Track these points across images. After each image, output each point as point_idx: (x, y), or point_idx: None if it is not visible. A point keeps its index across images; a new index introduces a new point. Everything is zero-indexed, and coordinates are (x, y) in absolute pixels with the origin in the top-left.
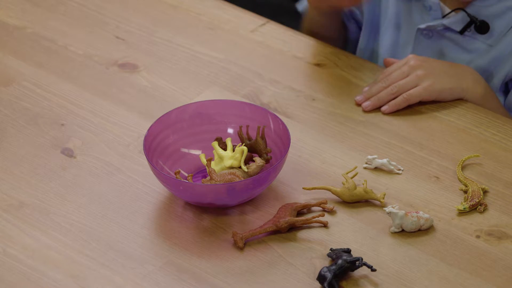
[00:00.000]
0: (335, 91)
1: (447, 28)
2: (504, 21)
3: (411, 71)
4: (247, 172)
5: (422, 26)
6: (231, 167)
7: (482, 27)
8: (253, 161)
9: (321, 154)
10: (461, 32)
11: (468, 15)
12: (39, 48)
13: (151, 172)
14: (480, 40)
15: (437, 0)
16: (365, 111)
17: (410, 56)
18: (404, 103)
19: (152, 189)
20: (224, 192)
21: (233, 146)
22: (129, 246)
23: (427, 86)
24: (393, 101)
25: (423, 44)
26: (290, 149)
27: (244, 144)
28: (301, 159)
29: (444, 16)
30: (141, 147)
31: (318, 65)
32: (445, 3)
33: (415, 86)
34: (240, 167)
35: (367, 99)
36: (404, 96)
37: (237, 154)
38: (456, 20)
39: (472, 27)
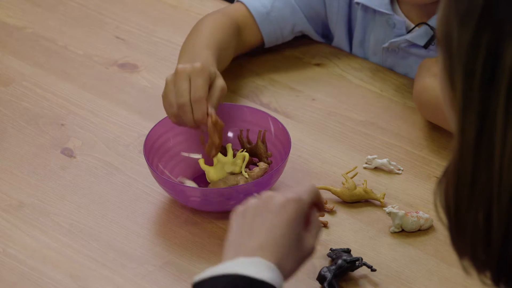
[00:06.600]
0: (335, 91)
1: (412, 44)
2: None
3: None
4: (248, 179)
5: (385, 44)
6: (232, 173)
7: None
8: (255, 165)
9: (321, 154)
10: (425, 46)
11: (431, 28)
12: (39, 48)
13: None
14: None
15: (402, 18)
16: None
17: None
18: None
19: (152, 189)
20: (226, 197)
21: (234, 151)
22: (129, 246)
23: None
24: None
25: (390, 60)
26: (290, 149)
27: (244, 148)
28: (301, 159)
29: (408, 32)
30: (141, 147)
31: (318, 65)
32: (411, 19)
33: None
34: (240, 173)
35: None
36: None
37: (238, 160)
38: (420, 34)
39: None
